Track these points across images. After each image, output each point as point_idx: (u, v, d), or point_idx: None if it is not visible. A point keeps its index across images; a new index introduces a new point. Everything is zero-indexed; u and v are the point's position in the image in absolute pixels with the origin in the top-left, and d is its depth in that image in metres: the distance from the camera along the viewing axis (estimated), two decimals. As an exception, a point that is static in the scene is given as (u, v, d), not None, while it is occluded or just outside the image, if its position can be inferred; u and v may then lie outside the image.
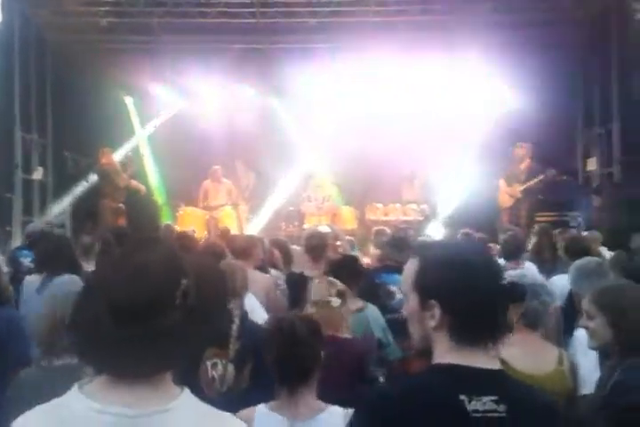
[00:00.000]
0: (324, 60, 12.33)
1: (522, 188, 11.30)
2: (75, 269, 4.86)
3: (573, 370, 3.30)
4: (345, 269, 4.60)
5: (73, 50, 12.86)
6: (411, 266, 1.77)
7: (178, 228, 10.99)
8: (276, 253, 6.33)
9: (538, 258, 6.55)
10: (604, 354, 2.93)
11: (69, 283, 4.50)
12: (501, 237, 6.96)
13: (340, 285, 3.81)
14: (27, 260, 6.26)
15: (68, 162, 12.67)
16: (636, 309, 2.72)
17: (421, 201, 12.37)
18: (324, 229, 7.65)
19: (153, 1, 12.07)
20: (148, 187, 13.24)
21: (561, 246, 6.36)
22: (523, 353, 3.08)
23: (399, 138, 12.05)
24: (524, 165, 11.40)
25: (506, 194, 11.47)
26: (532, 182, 11.22)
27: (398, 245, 6.00)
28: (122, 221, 11.75)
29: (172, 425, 1.44)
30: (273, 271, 5.86)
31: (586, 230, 8.94)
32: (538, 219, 10.70)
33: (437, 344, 1.70)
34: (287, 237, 9.95)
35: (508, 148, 11.64)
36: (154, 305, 1.42)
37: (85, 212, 12.01)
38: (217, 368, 3.48)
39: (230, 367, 3.50)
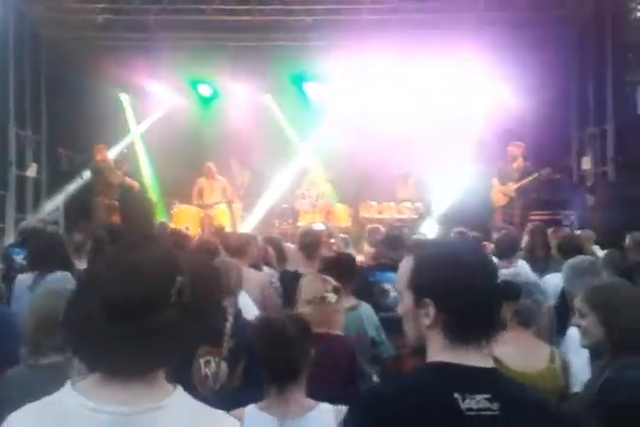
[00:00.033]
0: (319, 58, 12.32)
1: (516, 186, 11.32)
2: (67, 266, 4.85)
3: (565, 368, 3.32)
4: (339, 267, 4.59)
5: (68, 46, 12.80)
6: (406, 264, 1.78)
7: (172, 225, 10.99)
8: (270, 250, 6.32)
9: (531, 257, 6.56)
10: (595, 353, 2.94)
11: (61, 280, 4.50)
12: (495, 235, 6.97)
13: (334, 281, 3.81)
14: (19, 257, 6.23)
15: (62, 159, 12.64)
16: (629, 307, 2.72)
17: (416, 199, 12.37)
18: (318, 226, 7.65)
19: (149, -2, 12.06)
20: (142, 184, 13.21)
21: (554, 245, 6.37)
22: (515, 351, 3.09)
23: (393, 136, 12.06)
24: (517, 164, 11.42)
25: (500, 193, 11.48)
26: (525, 181, 11.23)
27: (393, 243, 6.01)
28: (115, 218, 11.73)
29: (165, 423, 1.44)
30: (266, 269, 5.86)
31: (579, 229, 8.97)
32: (531, 217, 10.71)
33: (431, 343, 1.71)
34: (281, 234, 9.96)
35: (502, 146, 11.66)
36: (148, 302, 1.42)
37: (79, 209, 11.97)
38: (210, 366, 3.49)
39: (223, 365, 3.51)
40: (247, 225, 12.70)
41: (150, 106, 13.87)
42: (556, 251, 6.13)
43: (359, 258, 7.08)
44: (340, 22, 12.22)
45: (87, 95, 12.65)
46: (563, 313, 4.35)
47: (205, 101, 13.82)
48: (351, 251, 7.32)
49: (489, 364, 1.68)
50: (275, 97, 13.81)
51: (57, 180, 12.69)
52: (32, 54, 12.28)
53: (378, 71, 12.61)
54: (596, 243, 7.67)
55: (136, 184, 12.58)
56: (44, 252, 5.06)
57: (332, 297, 3.69)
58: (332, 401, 2.69)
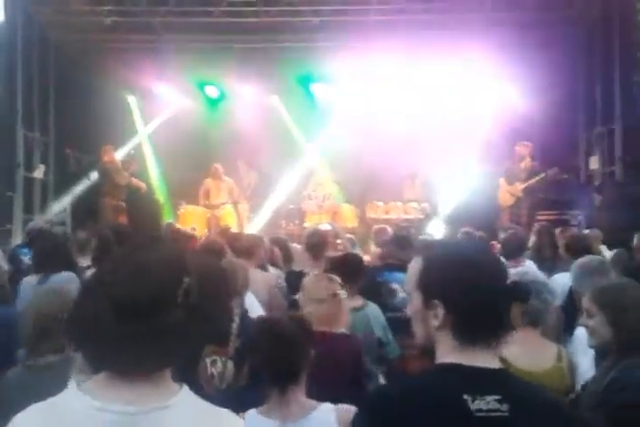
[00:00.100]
0: (326, 59, 12.32)
1: (523, 186, 11.29)
2: (70, 266, 4.86)
3: (572, 367, 3.30)
4: (346, 266, 4.58)
5: (76, 48, 12.86)
6: (415, 265, 1.78)
7: (179, 226, 11.00)
8: (276, 251, 6.33)
9: (538, 256, 6.54)
10: (601, 354, 2.93)
11: (65, 280, 4.51)
12: (502, 235, 6.95)
13: (339, 280, 3.81)
14: (27, 258, 6.26)
15: (69, 160, 12.67)
16: (637, 308, 2.71)
17: (422, 199, 12.37)
18: (325, 227, 7.66)
19: (156, 0, 12.07)
20: (149, 185, 13.26)
21: (562, 245, 6.35)
22: (522, 351, 3.08)
23: (400, 136, 12.05)
24: (524, 164, 11.39)
25: (507, 193, 11.45)
26: (533, 181, 11.21)
27: (401, 243, 6.01)
28: (122, 219, 11.76)
29: (171, 422, 1.44)
30: (272, 269, 5.86)
31: (586, 229, 8.94)
32: (539, 217, 10.69)
33: (440, 344, 1.70)
34: (287, 235, 9.96)
35: (510, 146, 11.64)
36: (156, 303, 1.42)
37: (86, 210, 12.00)
38: (216, 365, 3.49)
39: (230, 365, 3.51)
40: (254, 226, 12.73)
41: (157, 107, 13.92)
42: (564, 251, 6.11)
43: (365, 258, 7.07)
44: (347, 23, 12.22)
45: (95, 97, 12.70)
46: (571, 313, 4.33)
47: (212, 103, 13.87)
48: (358, 251, 7.31)
49: (498, 365, 1.68)
50: (281, 98, 13.83)
51: (64, 181, 12.73)
52: (40, 56, 12.33)
53: (385, 72, 12.62)
54: (604, 242, 7.63)
55: (143, 185, 12.62)
56: (49, 253, 5.07)
57: (343, 293, 3.70)
58: (336, 401, 2.68)
